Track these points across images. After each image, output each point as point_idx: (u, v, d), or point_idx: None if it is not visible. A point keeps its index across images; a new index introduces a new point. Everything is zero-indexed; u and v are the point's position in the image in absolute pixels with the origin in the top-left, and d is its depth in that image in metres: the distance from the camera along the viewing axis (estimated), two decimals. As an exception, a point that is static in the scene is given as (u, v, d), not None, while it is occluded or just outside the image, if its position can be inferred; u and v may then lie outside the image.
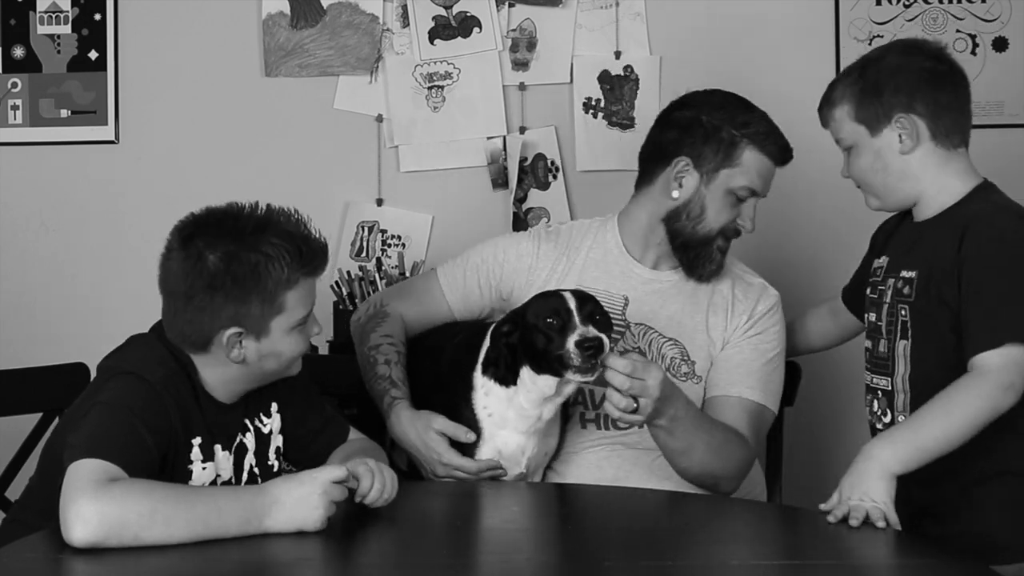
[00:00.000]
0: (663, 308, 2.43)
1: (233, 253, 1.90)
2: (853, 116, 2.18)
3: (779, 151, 2.38)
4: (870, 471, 1.91)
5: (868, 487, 1.90)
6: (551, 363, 2.12)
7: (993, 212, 2.08)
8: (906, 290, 2.13)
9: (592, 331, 2.08)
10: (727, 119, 2.36)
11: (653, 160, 2.44)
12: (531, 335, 2.14)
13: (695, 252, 2.40)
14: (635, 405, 2.06)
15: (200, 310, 1.92)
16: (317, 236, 1.99)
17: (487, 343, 2.27)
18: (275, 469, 2.10)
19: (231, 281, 1.90)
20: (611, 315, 2.40)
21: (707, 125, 2.36)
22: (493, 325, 2.28)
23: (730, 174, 2.35)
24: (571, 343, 2.07)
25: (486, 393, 2.25)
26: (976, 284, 2.00)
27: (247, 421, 2.06)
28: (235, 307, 1.91)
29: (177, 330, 1.96)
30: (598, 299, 2.18)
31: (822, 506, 1.95)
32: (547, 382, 2.17)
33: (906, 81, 2.14)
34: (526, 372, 2.19)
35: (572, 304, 2.12)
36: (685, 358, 2.40)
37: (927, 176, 2.15)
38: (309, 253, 1.95)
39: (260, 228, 1.93)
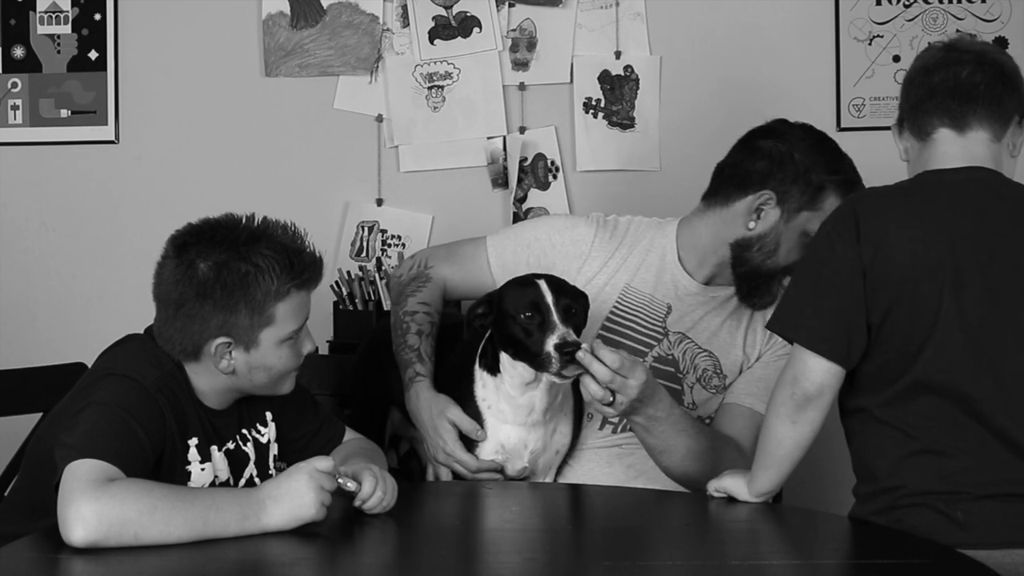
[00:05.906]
0: (703, 320, 2.40)
1: (224, 262, 1.90)
2: None
3: None
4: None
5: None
6: (529, 358, 2.12)
7: None
8: None
9: (571, 335, 2.06)
10: (820, 163, 2.30)
11: (734, 184, 2.36)
12: (507, 325, 2.14)
13: (756, 283, 2.35)
14: (611, 398, 2.05)
15: (189, 318, 1.92)
16: (311, 250, 1.99)
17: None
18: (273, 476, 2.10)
19: (220, 290, 1.90)
20: (651, 322, 2.38)
21: (799, 164, 2.29)
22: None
23: (810, 217, 2.29)
24: (551, 346, 2.06)
25: (483, 385, 2.26)
26: None
27: (245, 431, 2.07)
28: (224, 316, 1.91)
29: (167, 338, 1.96)
30: (569, 287, 2.16)
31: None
32: (525, 367, 2.16)
33: None
34: (504, 357, 2.19)
35: (550, 298, 2.11)
36: (717, 371, 2.38)
37: None
38: (300, 265, 1.95)
39: (253, 239, 1.93)
